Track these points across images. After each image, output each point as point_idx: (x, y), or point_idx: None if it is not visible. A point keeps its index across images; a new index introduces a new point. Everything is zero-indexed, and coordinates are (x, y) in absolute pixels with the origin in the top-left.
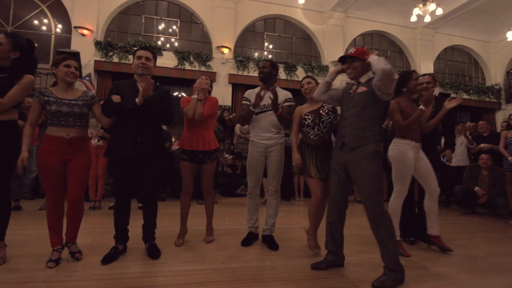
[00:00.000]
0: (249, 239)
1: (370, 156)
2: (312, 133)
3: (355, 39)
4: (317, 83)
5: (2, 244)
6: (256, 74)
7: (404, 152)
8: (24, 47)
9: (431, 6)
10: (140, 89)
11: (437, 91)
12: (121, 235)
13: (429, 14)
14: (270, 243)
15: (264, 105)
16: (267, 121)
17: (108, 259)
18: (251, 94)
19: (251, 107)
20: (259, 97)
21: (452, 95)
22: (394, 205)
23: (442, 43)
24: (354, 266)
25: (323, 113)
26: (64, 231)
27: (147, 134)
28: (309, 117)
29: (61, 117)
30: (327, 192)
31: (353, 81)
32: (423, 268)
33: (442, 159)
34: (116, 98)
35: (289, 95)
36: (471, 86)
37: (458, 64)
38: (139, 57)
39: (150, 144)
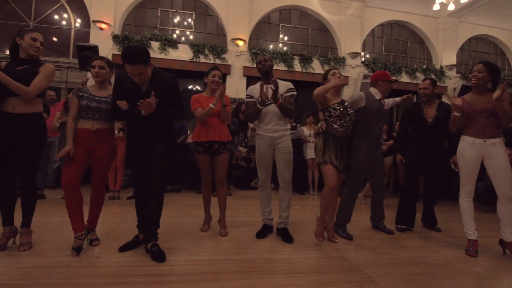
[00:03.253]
0: (263, 232)
1: (383, 156)
2: (338, 123)
3: (373, 29)
4: None
5: (28, 230)
6: None
7: (461, 148)
8: None
9: None
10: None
11: (459, 83)
12: (142, 224)
13: (453, 2)
14: (285, 236)
15: (268, 98)
16: (271, 114)
17: (128, 247)
18: (253, 90)
19: (258, 105)
20: (264, 94)
21: None
22: (460, 203)
23: (466, 33)
24: (371, 261)
25: (348, 107)
26: (86, 218)
27: (156, 131)
28: (338, 107)
29: (88, 111)
30: (340, 183)
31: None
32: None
33: (453, 167)
34: (123, 105)
35: (290, 85)
36: None
37: (483, 55)
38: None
39: (159, 139)
